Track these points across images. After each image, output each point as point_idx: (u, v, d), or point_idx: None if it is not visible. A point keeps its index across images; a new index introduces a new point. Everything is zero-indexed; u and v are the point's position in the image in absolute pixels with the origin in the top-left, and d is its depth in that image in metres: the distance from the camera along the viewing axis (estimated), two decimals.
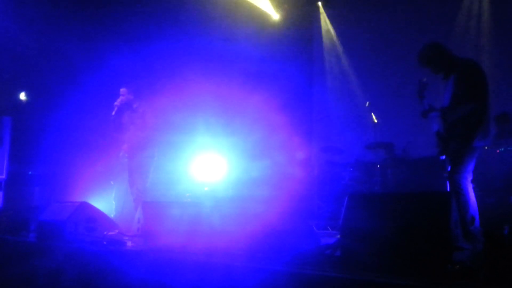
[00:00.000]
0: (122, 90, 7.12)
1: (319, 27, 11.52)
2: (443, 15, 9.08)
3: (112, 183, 8.59)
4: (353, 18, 10.77)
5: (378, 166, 8.20)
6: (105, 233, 5.28)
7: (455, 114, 4.64)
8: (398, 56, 9.55)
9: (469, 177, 4.55)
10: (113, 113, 7.07)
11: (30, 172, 9.31)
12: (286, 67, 10.12)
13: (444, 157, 4.68)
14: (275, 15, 11.03)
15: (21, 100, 9.64)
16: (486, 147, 6.54)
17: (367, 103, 8.35)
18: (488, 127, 4.61)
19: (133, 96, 7.12)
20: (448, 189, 4.58)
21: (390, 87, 9.68)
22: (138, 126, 6.98)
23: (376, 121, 8.17)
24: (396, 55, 9.65)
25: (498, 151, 6.59)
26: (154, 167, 7.19)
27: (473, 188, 4.57)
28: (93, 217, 5.44)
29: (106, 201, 8.26)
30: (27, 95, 9.63)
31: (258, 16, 10.69)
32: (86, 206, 5.55)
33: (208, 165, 9.08)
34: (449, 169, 4.59)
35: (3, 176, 8.49)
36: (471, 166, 4.54)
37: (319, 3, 11.47)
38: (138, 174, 6.95)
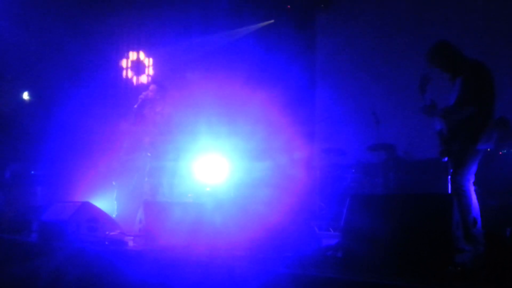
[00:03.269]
0: (152, 86, 7.14)
1: (323, 28, 11.52)
2: (444, 15, 9.06)
3: (114, 183, 8.60)
4: (355, 18, 10.76)
5: (380, 167, 8.20)
6: (107, 233, 5.29)
7: (456, 116, 4.63)
8: (401, 57, 9.54)
9: (472, 179, 4.54)
10: (136, 106, 7.08)
11: (32, 172, 9.33)
12: (288, 68, 10.12)
13: (446, 158, 4.66)
14: None
15: (24, 100, 9.66)
16: (488, 149, 6.53)
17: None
18: (492, 130, 4.60)
19: (159, 96, 7.11)
20: (450, 191, 4.56)
21: (393, 88, 9.67)
22: (161, 129, 6.99)
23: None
24: (398, 55, 9.64)
25: (500, 153, 6.58)
26: (177, 169, 7.24)
27: (475, 190, 4.56)
28: (95, 217, 5.45)
29: (108, 201, 8.27)
30: (30, 94, 9.65)
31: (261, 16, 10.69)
32: (88, 206, 5.55)
33: (210, 166, 9.08)
34: (451, 170, 4.58)
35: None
36: (474, 169, 4.53)
37: (323, 5, 11.47)
38: (162, 177, 6.99)
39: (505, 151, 6.57)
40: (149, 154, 7.24)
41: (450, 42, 4.93)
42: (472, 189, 4.50)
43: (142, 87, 8.97)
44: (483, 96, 4.52)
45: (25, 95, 9.65)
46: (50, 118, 8.99)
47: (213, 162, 9.10)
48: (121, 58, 9.42)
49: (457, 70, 4.71)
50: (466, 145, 4.51)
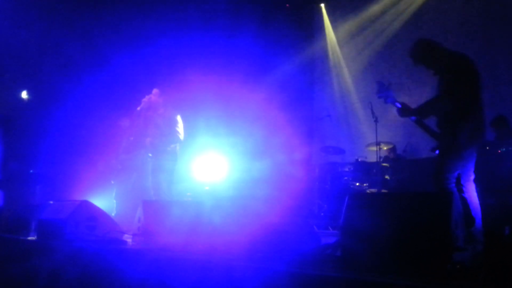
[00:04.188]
0: (155, 90, 7.28)
1: (321, 27, 11.53)
2: (444, 13, 9.07)
3: (112, 182, 8.60)
4: (354, 18, 10.77)
5: (380, 165, 8.20)
6: (106, 232, 5.28)
7: (429, 112, 4.59)
8: (399, 56, 9.55)
9: (471, 176, 4.48)
10: (139, 108, 7.21)
11: (31, 171, 9.32)
12: (287, 67, 10.12)
13: (438, 152, 4.57)
14: None
15: (22, 99, 9.64)
16: (487, 147, 6.53)
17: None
18: (479, 124, 4.40)
19: (162, 100, 7.26)
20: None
21: (391, 86, 9.67)
22: (162, 131, 7.10)
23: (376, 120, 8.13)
24: (397, 54, 9.65)
25: (499, 151, 6.58)
26: (177, 169, 7.40)
27: (474, 188, 4.51)
28: (94, 216, 5.44)
29: (106, 200, 8.27)
30: (28, 93, 9.63)
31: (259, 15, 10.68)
32: (86, 205, 5.54)
33: (209, 164, 9.09)
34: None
35: None
36: (459, 166, 4.35)
37: (322, 5, 11.48)
38: (161, 176, 7.06)
39: (504, 149, 6.57)
40: (150, 155, 7.32)
41: (430, 38, 4.86)
42: (471, 187, 4.43)
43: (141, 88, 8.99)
44: (459, 87, 4.36)
45: (24, 94, 9.64)
46: (49, 117, 8.98)
47: (212, 161, 9.11)
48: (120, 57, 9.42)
49: (438, 65, 4.63)
50: (448, 141, 4.40)
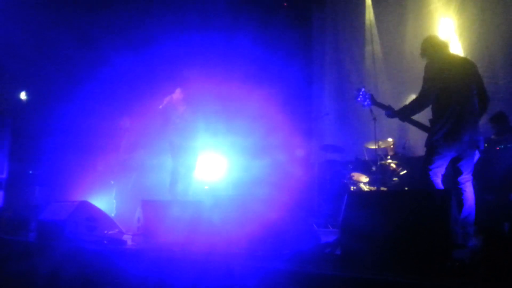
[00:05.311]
0: (178, 89, 7.21)
1: (320, 25, 11.52)
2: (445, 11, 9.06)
3: (112, 182, 8.60)
4: (355, 16, 10.77)
5: (378, 163, 8.19)
6: (105, 232, 5.29)
7: (410, 111, 4.78)
8: (398, 53, 9.55)
9: (466, 175, 4.47)
10: (161, 106, 7.15)
11: (30, 172, 9.32)
12: (286, 66, 10.11)
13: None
14: None
15: (21, 100, 9.64)
16: (486, 144, 6.53)
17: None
18: (456, 124, 4.43)
19: (183, 99, 7.21)
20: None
21: (390, 84, 9.67)
22: (179, 131, 7.05)
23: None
24: (395, 51, 9.65)
25: (498, 148, 6.58)
26: (195, 171, 7.35)
27: (472, 188, 4.50)
28: (93, 216, 5.44)
29: (106, 200, 8.27)
30: (27, 94, 9.63)
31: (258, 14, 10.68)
32: (86, 205, 5.55)
33: (209, 164, 9.08)
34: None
35: (4, 176, 8.51)
36: (437, 160, 4.48)
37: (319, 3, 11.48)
38: (180, 177, 7.03)
39: (502, 146, 6.57)
40: (169, 155, 7.30)
41: (436, 36, 5.05)
42: (467, 187, 4.43)
43: (140, 88, 9.00)
44: (428, 89, 4.59)
45: (23, 95, 9.64)
46: (48, 117, 8.98)
47: (211, 160, 9.10)
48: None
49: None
50: (427, 137, 4.61)
